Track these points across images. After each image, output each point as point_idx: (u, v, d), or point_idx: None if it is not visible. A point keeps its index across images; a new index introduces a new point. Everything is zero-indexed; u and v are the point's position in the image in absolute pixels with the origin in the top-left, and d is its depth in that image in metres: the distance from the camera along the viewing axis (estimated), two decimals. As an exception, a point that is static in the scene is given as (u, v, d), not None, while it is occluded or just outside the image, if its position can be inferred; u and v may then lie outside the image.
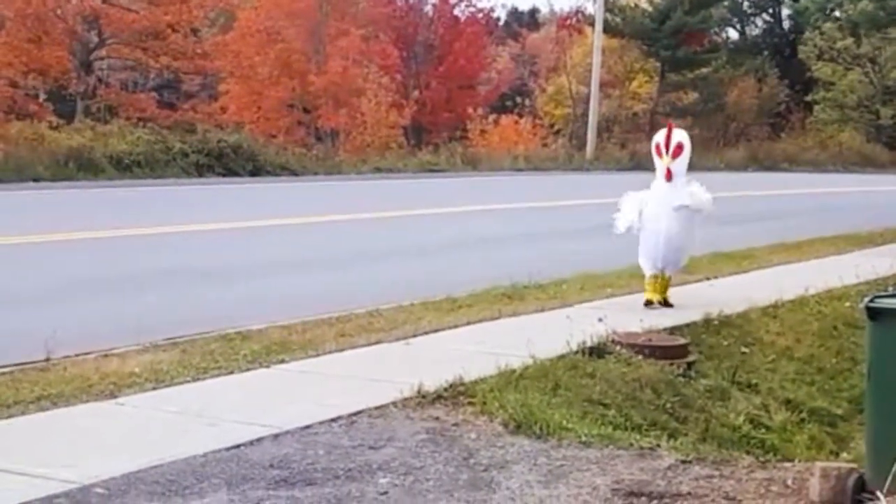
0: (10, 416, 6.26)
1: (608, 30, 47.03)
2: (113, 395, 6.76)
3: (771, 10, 60.68)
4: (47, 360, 7.56)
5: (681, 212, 10.36)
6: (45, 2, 38.07)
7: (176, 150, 27.33)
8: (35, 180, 23.28)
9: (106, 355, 7.85)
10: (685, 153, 10.33)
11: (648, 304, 10.43)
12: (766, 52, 57.50)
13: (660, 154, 10.38)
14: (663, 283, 10.56)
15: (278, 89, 44.64)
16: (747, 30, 61.83)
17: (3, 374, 7.25)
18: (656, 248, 10.39)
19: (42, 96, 39.85)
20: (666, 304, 10.51)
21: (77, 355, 7.81)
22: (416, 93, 48.03)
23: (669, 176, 10.31)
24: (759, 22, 62.01)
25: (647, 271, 10.55)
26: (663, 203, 10.36)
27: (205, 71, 43.95)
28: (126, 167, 25.96)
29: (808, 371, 10.24)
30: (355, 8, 48.84)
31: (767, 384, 9.46)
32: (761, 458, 6.28)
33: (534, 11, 71.60)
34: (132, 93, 44.53)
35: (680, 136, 10.44)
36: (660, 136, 10.48)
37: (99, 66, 43.30)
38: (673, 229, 10.35)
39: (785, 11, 59.82)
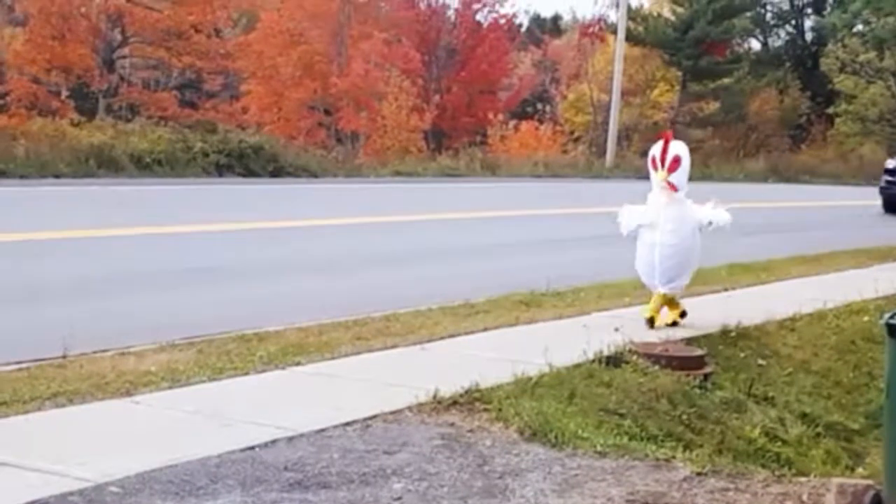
0: (26, 412, 6.27)
1: (630, 38, 46.98)
2: (129, 394, 6.77)
3: (794, 22, 60.53)
4: (64, 356, 7.58)
5: (680, 225, 9.90)
6: (70, 0, 38.25)
7: (197, 150, 27.39)
8: (56, 177, 23.37)
9: (122, 353, 7.87)
10: (683, 166, 9.83)
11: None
12: (788, 64, 57.34)
13: (655, 167, 9.87)
14: (665, 297, 10.02)
15: (300, 91, 44.74)
16: (770, 41, 61.68)
17: (21, 369, 7.27)
18: (651, 265, 9.95)
19: (64, 93, 40.02)
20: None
21: (94, 353, 7.82)
22: (437, 97, 48.06)
23: (673, 189, 9.79)
24: (781, 33, 61.87)
25: (651, 288, 10.11)
26: (660, 217, 9.87)
27: (227, 71, 44.10)
28: (146, 166, 26.03)
29: (825, 385, 10.19)
30: (378, 11, 48.94)
31: (784, 397, 9.41)
32: (777, 472, 6.24)
33: (556, 18, 71.64)
34: (154, 92, 44.69)
35: (677, 148, 9.91)
36: (656, 149, 9.95)
37: (121, 65, 43.47)
38: (670, 242, 9.87)
39: (808, 23, 59.66)
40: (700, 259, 10.37)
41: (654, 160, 9.88)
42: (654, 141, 10.15)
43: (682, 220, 9.94)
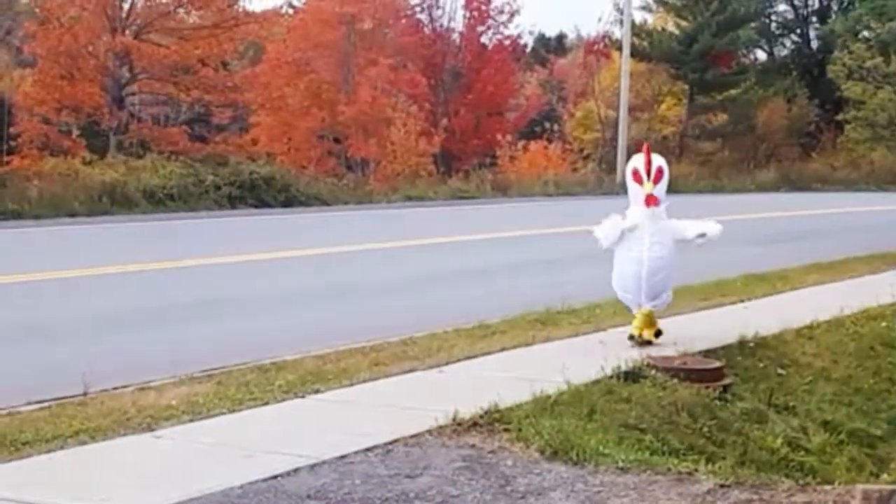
0: (49, 451, 6.30)
1: (635, 54, 47.02)
2: (150, 428, 6.80)
3: (799, 31, 60.49)
4: (85, 394, 7.61)
5: (665, 239, 9.72)
6: (77, 39, 38.44)
7: (208, 183, 27.50)
8: (70, 216, 23.47)
9: (142, 388, 7.90)
10: (665, 178, 9.74)
11: (647, 343, 9.61)
12: (794, 73, 57.24)
13: (638, 180, 9.70)
14: (649, 315, 9.77)
15: (308, 120, 44.86)
16: (775, 50, 61.61)
17: (42, 408, 7.30)
18: (637, 280, 9.68)
19: (75, 132, 40.18)
20: (657, 335, 9.71)
21: (114, 389, 7.86)
22: (445, 121, 48.11)
23: (653, 202, 9.64)
24: (787, 42, 61.79)
25: (634, 307, 9.84)
26: (644, 231, 9.68)
27: (235, 103, 44.24)
28: (159, 201, 26.14)
29: (846, 392, 10.16)
30: (383, 37, 49.06)
31: (805, 406, 9.39)
32: (801, 482, 6.23)
33: (561, 37, 71.71)
34: (164, 127, 44.84)
35: (659, 160, 9.84)
36: (637, 162, 9.82)
37: (131, 102, 43.64)
38: (657, 255, 9.66)
39: (813, 32, 59.62)
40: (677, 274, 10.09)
41: (636, 173, 9.72)
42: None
43: (665, 234, 9.79)
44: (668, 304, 10.02)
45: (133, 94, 43.41)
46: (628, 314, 11.15)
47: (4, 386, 8.07)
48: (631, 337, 9.69)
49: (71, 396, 7.57)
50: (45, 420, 6.93)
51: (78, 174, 28.47)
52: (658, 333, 9.77)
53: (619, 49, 46.34)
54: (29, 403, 7.43)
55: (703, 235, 9.91)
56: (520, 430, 6.71)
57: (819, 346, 10.75)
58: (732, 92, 52.39)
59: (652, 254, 9.67)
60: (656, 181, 9.65)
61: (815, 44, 59.77)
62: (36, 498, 5.43)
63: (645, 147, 10.08)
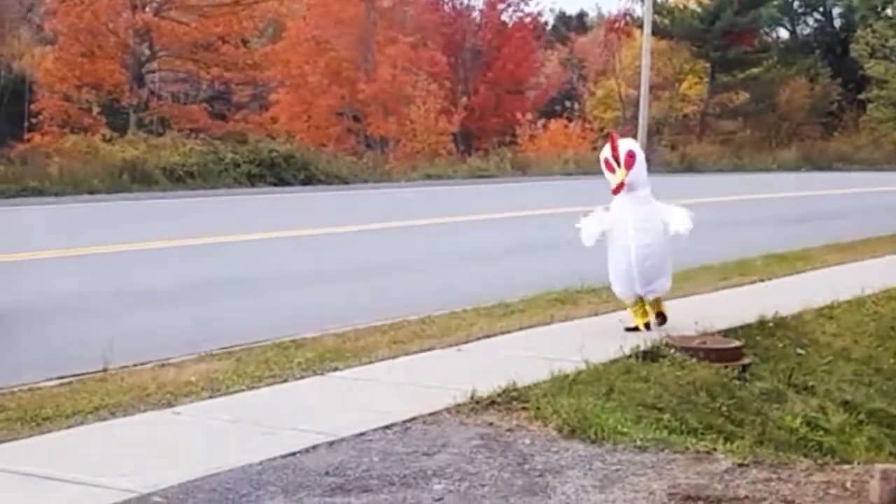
0: (69, 426, 6.34)
1: (657, 32, 46.78)
2: (170, 405, 6.83)
3: (821, 9, 60.10)
4: (105, 370, 7.65)
5: (651, 225, 9.34)
6: (98, 16, 38.52)
7: (228, 161, 27.54)
8: (90, 193, 23.55)
9: (162, 365, 7.93)
10: (639, 162, 9.35)
11: (634, 329, 9.32)
12: (817, 51, 56.95)
13: (611, 169, 9.34)
14: (655, 301, 9.51)
15: (328, 98, 44.87)
16: (798, 29, 61.28)
17: (63, 384, 7.35)
18: (628, 269, 9.37)
19: (96, 109, 40.30)
20: (661, 318, 9.46)
21: (134, 365, 7.90)
22: (465, 99, 48.03)
23: (619, 189, 9.27)
24: (809, 21, 61.45)
25: (624, 297, 9.55)
26: (629, 219, 9.34)
27: (255, 81, 44.28)
28: (179, 178, 26.19)
29: (866, 372, 10.11)
30: (403, 15, 48.99)
31: (824, 386, 9.35)
32: (819, 461, 6.21)
33: (582, 15, 71.45)
34: (184, 105, 44.94)
35: (627, 145, 9.48)
36: (606, 151, 9.46)
37: (151, 79, 43.74)
38: (644, 242, 9.31)
39: (836, 10, 59.22)
40: (673, 260, 9.72)
41: (607, 163, 9.38)
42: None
43: (652, 219, 9.39)
44: (666, 290, 9.59)
45: (153, 71, 43.51)
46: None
47: (25, 361, 8.13)
48: (628, 329, 9.33)
49: (91, 372, 7.61)
50: (65, 396, 6.97)
51: (98, 151, 28.55)
52: (661, 318, 9.45)
53: (641, 27, 46.13)
54: (49, 379, 7.47)
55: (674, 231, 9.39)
56: (538, 408, 6.72)
57: (839, 326, 10.71)
58: (754, 70, 52.15)
59: (639, 241, 9.33)
60: (628, 167, 9.25)
61: (837, 22, 59.42)
62: (56, 473, 5.47)
63: (611, 136, 9.77)
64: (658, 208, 9.50)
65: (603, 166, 9.48)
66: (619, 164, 9.28)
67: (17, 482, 5.40)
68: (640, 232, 9.33)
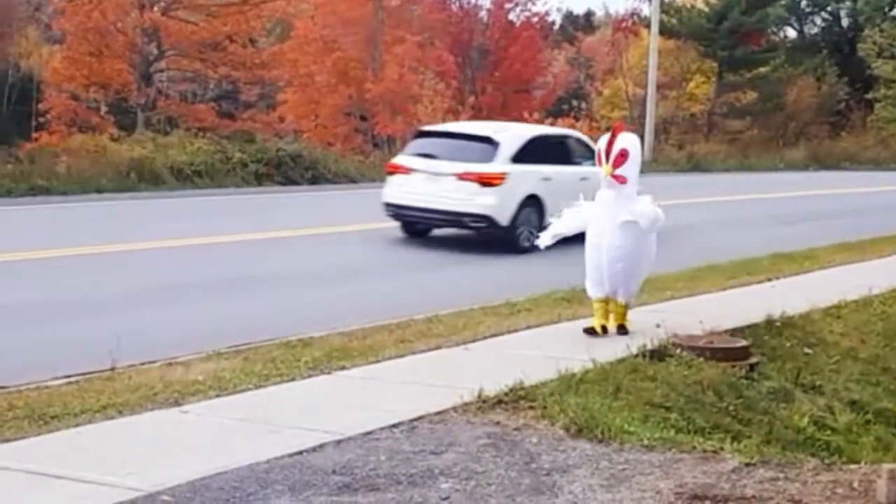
0: (77, 425, 6.35)
1: (664, 31, 46.75)
2: (177, 403, 6.84)
3: (829, 9, 59.98)
4: (112, 369, 7.66)
5: (628, 226, 9.10)
6: (106, 15, 38.53)
7: (235, 160, 27.52)
8: (98, 192, 23.54)
9: (170, 364, 7.95)
10: (631, 160, 9.04)
11: (591, 332, 9.10)
12: (824, 51, 56.80)
13: (600, 161, 9.11)
14: (618, 308, 9.28)
15: (335, 97, 44.88)
16: (805, 28, 61.13)
17: (70, 383, 7.36)
18: (599, 268, 9.16)
19: (103, 109, 40.33)
20: (622, 330, 9.18)
21: (141, 364, 7.91)
22: (472, 98, 47.98)
23: (620, 181, 9.05)
24: (817, 20, 61.29)
25: (592, 294, 9.31)
26: (607, 215, 9.12)
27: (263, 80, 44.27)
28: (187, 177, 26.17)
29: (874, 372, 10.11)
30: (410, 14, 48.99)
31: (832, 385, 9.35)
32: (827, 461, 6.22)
33: (589, 14, 71.40)
34: (191, 104, 44.96)
35: (625, 141, 9.12)
36: (602, 142, 9.21)
37: (159, 78, 43.75)
38: (616, 244, 9.08)
39: (843, 10, 59.11)
40: (651, 265, 9.54)
41: (599, 155, 9.17)
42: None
43: (630, 220, 9.11)
44: (631, 295, 9.35)
45: (161, 70, 43.50)
46: (655, 293, 11.15)
47: (32, 361, 8.15)
48: (590, 331, 9.14)
49: (98, 371, 7.62)
50: (72, 395, 6.99)
51: (106, 150, 28.53)
52: (622, 330, 9.19)
53: (648, 26, 46.12)
54: (57, 378, 7.48)
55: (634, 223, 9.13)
56: (545, 407, 6.72)
57: (846, 326, 10.70)
58: (762, 70, 52.06)
59: (612, 242, 9.11)
60: (618, 163, 8.98)
61: (845, 21, 59.30)
62: (64, 471, 5.48)
63: (614, 127, 9.46)
64: (632, 210, 9.15)
65: (595, 158, 9.38)
66: (608, 159, 9.04)
67: (25, 480, 5.42)
68: (615, 232, 9.10)
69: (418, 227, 16.44)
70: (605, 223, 9.14)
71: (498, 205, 15.39)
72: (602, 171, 9.12)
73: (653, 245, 9.38)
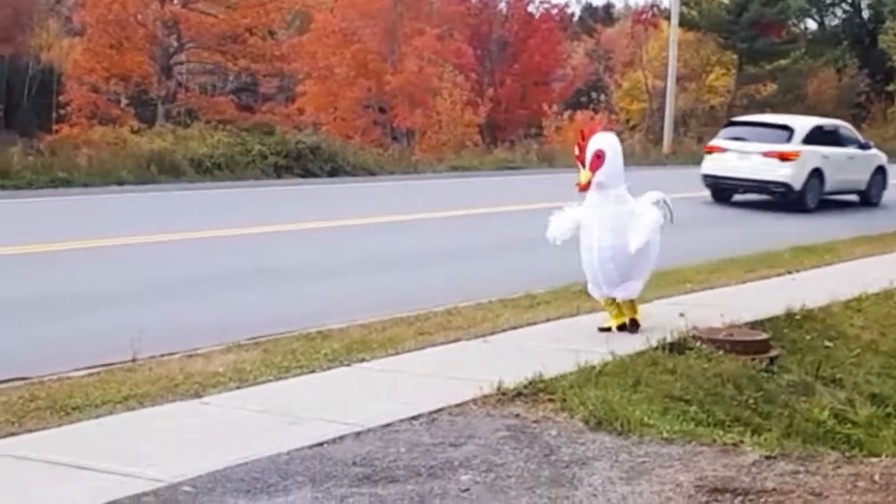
0: (98, 416, 6.39)
1: (684, 23, 46.58)
2: (198, 395, 6.87)
3: (850, 0, 59.69)
4: (133, 360, 7.70)
5: (619, 226, 8.94)
6: (126, 8, 38.68)
7: (255, 152, 27.55)
8: (119, 184, 23.61)
9: (190, 355, 7.98)
10: (609, 160, 8.85)
11: (607, 332, 9.02)
12: (845, 43, 56.51)
13: (579, 164, 8.99)
14: (628, 305, 9.15)
15: (354, 90, 44.91)
16: (826, 20, 60.81)
17: (92, 374, 7.40)
18: (593, 269, 9.06)
19: (124, 101, 40.51)
20: (634, 325, 9.04)
21: (162, 355, 7.94)
22: (491, 90, 47.97)
23: (584, 188, 8.91)
24: (838, 12, 60.98)
25: (597, 297, 9.25)
26: (596, 217, 8.98)
27: (282, 72, 44.38)
28: (206, 170, 26.21)
29: (894, 365, 10.07)
30: (430, 7, 48.98)
31: (852, 378, 9.33)
32: (847, 454, 6.20)
33: (608, 6, 71.35)
34: (211, 96, 45.08)
35: (598, 143, 8.92)
36: (576, 149, 9.08)
37: (179, 71, 43.90)
38: (606, 244, 8.94)
39: (864, 1, 58.79)
40: (654, 261, 9.30)
41: (577, 158, 9.00)
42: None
43: (619, 220, 8.97)
44: (634, 295, 9.13)
45: (181, 63, 43.66)
46: (674, 286, 11.14)
47: (53, 352, 8.19)
48: (601, 330, 9.09)
49: (120, 363, 7.66)
50: (94, 386, 7.02)
51: (126, 143, 28.65)
52: (622, 327, 9.05)
53: (668, 18, 45.96)
54: (78, 369, 7.52)
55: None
56: (564, 400, 6.72)
57: (867, 319, 10.66)
58: (782, 62, 51.83)
59: (602, 243, 8.98)
60: (595, 166, 8.81)
61: (866, 13, 58.95)
62: (86, 462, 5.52)
63: (580, 132, 9.39)
64: (629, 210, 9.05)
65: (576, 160, 9.10)
66: (583, 164, 8.89)
67: (47, 471, 5.45)
68: (604, 233, 8.97)
69: (726, 193, 21.96)
70: (594, 224, 8.99)
71: (794, 175, 21.15)
72: (580, 177, 8.94)
73: (654, 244, 9.13)
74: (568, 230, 9.15)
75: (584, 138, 9.03)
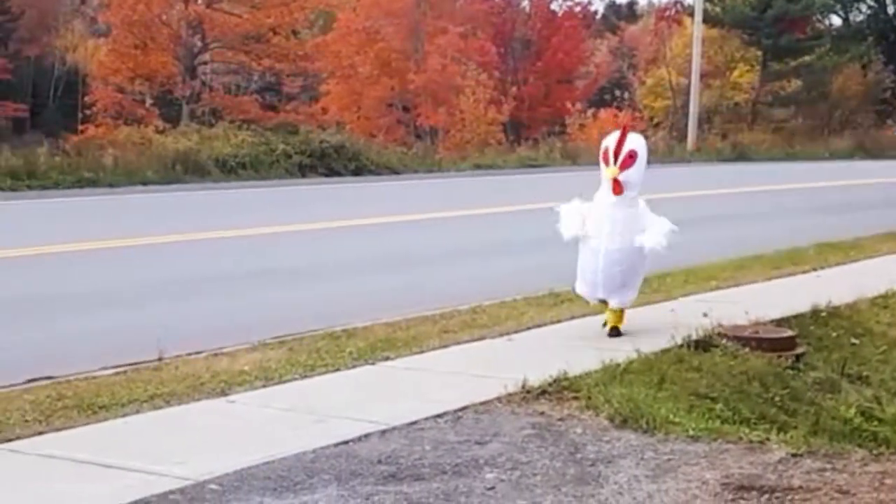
0: (125, 415, 6.41)
1: (708, 20, 46.47)
2: (224, 393, 6.89)
3: (875, -4, 59.42)
4: (159, 359, 7.73)
5: (627, 231, 8.67)
6: (151, 8, 38.87)
7: (279, 152, 27.66)
8: (144, 184, 23.75)
9: (216, 354, 8.00)
10: (638, 163, 8.64)
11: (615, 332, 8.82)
12: (870, 38, 56.22)
13: (606, 161, 8.66)
14: (618, 312, 8.86)
15: (378, 88, 45.01)
16: (851, 16, 60.56)
17: (118, 373, 7.43)
18: (594, 272, 8.78)
19: (149, 101, 40.72)
20: (614, 332, 8.78)
21: (188, 354, 7.97)
22: (515, 89, 47.98)
23: (618, 189, 8.61)
24: (862, 7, 60.71)
25: (588, 300, 9.05)
26: (606, 218, 8.72)
27: (306, 72, 44.50)
28: (231, 169, 26.34)
29: (921, 362, 10.01)
30: (453, 5, 49.01)
31: (879, 376, 9.27)
32: (874, 451, 6.16)
33: (632, 4, 71.20)
34: (235, 96, 45.24)
35: (634, 142, 8.72)
36: (610, 141, 8.75)
37: (203, 71, 44.07)
38: (615, 247, 8.68)
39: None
40: (647, 269, 9.21)
41: (605, 153, 8.70)
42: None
43: (630, 224, 8.72)
44: (627, 304, 8.90)
45: (205, 62, 43.84)
46: (700, 283, 11.10)
47: (79, 351, 8.24)
48: (605, 325, 8.91)
49: (146, 362, 7.69)
50: (120, 384, 7.06)
51: (151, 143, 28.80)
52: (614, 332, 8.79)
53: (691, 15, 45.87)
54: (104, 368, 7.56)
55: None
56: (589, 397, 6.71)
57: (893, 316, 10.59)
58: (807, 58, 51.63)
59: (611, 245, 8.71)
60: (626, 165, 8.59)
61: (891, 9, 58.66)
62: (113, 461, 5.54)
63: (623, 127, 9.12)
64: (640, 214, 8.83)
65: (601, 157, 8.82)
66: (616, 159, 8.63)
67: (74, 469, 5.48)
68: (613, 235, 8.73)
69: None
70: (604, 225, 8.77)
71: None
72: (608, 171, 8.70)
73: (654, 253, 8.87)
74: (575, 230, 8.89)
75: (624, 133, 8.82)
